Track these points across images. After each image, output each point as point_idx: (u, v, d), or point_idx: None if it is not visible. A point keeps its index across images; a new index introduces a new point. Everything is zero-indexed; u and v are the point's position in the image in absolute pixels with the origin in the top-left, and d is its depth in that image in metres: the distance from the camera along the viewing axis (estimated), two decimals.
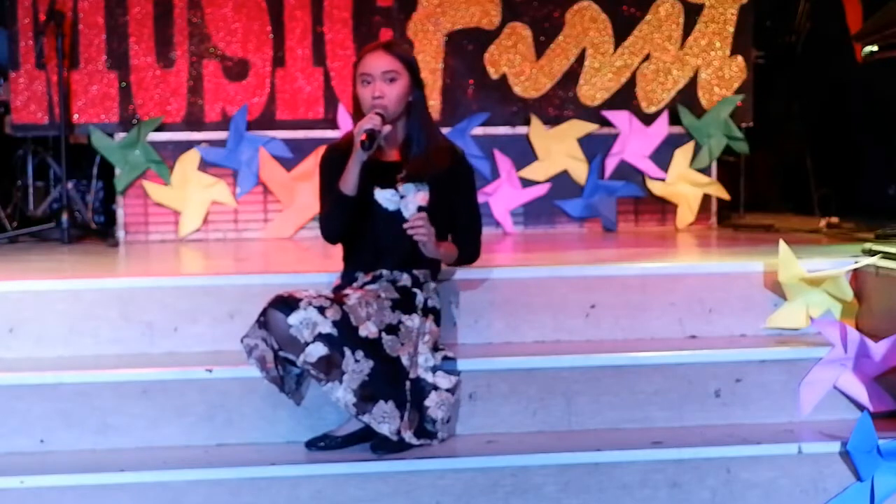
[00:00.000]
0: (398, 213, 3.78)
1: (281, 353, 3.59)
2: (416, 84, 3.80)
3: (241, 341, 3.63)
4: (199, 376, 3.78)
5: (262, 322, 3.58)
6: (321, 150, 4.00)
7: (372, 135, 3.63)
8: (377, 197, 3.79)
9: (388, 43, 3.86)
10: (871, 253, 4.32)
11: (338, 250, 3.94)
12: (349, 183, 3.70)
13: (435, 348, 3.76)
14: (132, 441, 3.74)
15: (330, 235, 3.82)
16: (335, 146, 3.90)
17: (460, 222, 3.89)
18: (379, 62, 3.74)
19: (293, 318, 3.52)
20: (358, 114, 3.81)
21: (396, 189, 3.80)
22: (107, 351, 4.04)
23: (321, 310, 3.55)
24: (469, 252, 3.92)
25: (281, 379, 3.67)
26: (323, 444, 3.69)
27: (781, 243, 4.20)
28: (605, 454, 3.65)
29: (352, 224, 3.77)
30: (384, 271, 3.80)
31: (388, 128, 3.69)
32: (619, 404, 3.89)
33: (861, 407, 3.89)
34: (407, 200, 3.80)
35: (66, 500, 3.49)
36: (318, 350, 3.52)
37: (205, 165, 5.99)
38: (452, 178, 3.83)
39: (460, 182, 3.86)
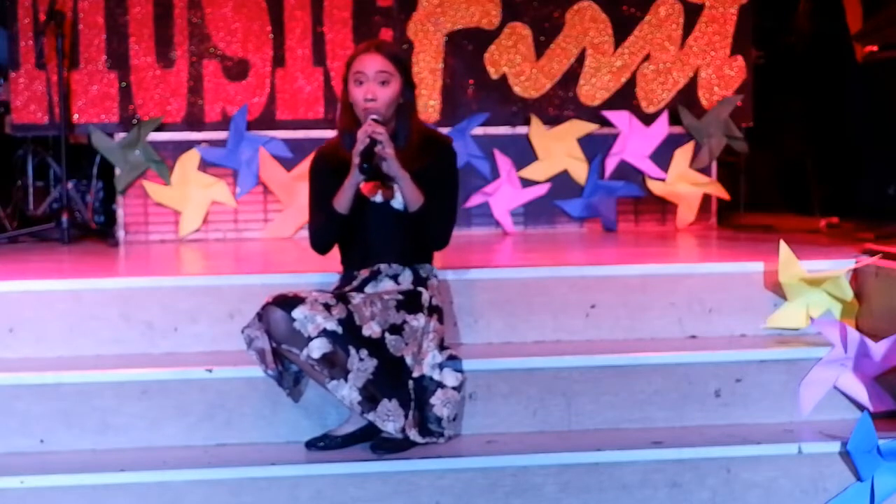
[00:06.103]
0: (386, 204, 3.78)
1: (283, 347, 3.58)
2: (408, 85, 3.79)
3: (242, 331, 3.64)
4: (199, 376, 3.78)
5: (261, 316, 3.58)
6: None
7: (369, 154, 3.61)
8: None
9: (382, 43, 3.85)
10: (871, 253, 4.32)
11: (337, 251, 3.93)
12: (344, 203, 3.72)
13: (441, 346, 3.77)
14: (132, 441, 3.74)
15: (320, 248, 3.85)
16: (323, 152, 3.89)
17: (432, 203, 3.77)
18: (373, 62, 3.73)
19: (297, 313, 3.53)
20: (346, 111, 3.80)
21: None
22: (107, 351, 4.04)
23: (327, 307, 3.57)
24: (434, 231, 3.81)
25: (280, 374, 3.68)
26: (323, 444, 3.68)
27: (781, 243, 4.19)
28: (605, 454, 3.65)
29: (342, 235, 3.79)
30: (382, 266, 3.80)
31: (389, 152, 3.66)
32: (619, 404, 3.89)
33: (861, 407, 3.89)
34: (395, 192, 3.79)
35: (66, 500, 3.48)
36: (322, 345, 3.53)
37: (205, 165, 5.99)
38: (435, 168, 3.78)
39: (440, 169, 3.79)
